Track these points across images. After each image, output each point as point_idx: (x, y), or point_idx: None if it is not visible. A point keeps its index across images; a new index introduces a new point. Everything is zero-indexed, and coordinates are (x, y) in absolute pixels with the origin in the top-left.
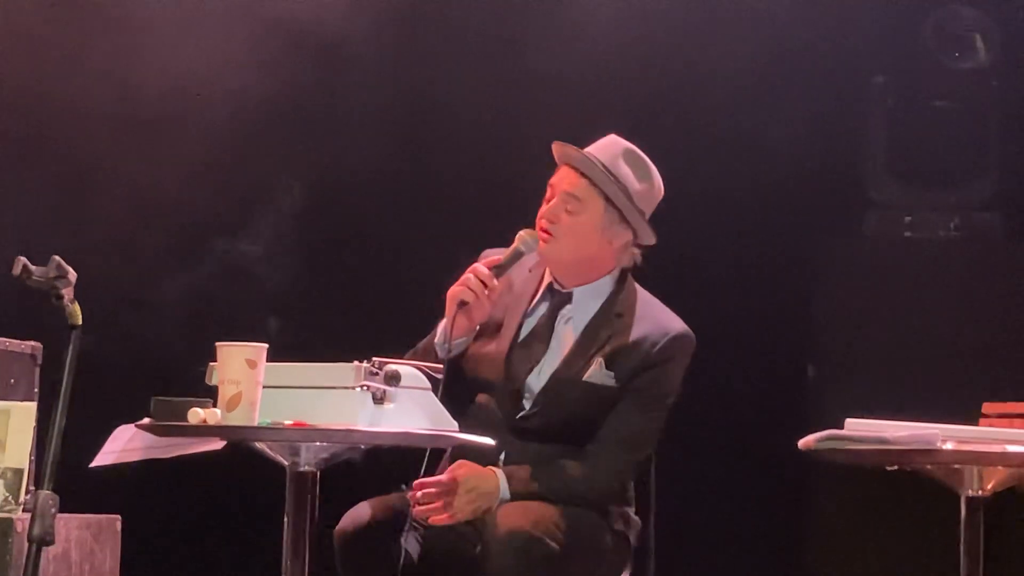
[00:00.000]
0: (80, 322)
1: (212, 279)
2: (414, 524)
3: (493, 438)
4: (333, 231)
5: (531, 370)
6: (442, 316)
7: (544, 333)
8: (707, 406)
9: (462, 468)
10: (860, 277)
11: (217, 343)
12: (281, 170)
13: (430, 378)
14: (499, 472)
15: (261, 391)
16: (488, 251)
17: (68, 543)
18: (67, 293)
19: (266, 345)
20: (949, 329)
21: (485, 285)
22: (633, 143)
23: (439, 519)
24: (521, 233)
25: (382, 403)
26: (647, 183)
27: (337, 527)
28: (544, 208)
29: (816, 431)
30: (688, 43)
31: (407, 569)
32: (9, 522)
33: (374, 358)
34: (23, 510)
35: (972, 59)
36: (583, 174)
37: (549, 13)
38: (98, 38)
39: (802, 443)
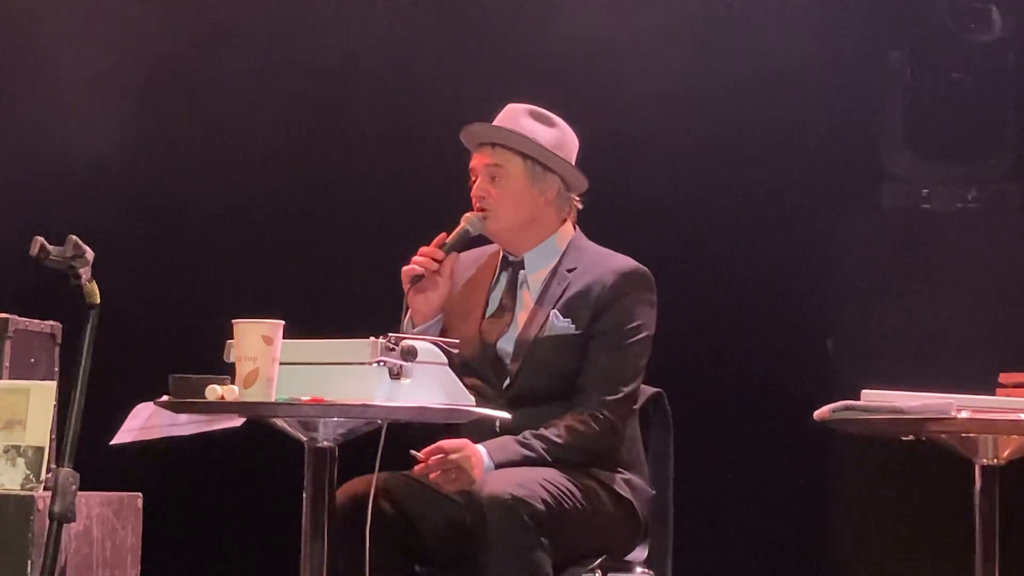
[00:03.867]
0: (98, 301)
1: (229, 255)
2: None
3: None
4: (348, 205)
5: (501, 337)
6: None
7: (509, 303)
8: (727, 380)
9: (449, 443)
10: (878, 250)
11: (234, 320)
12: (292, 149)
13: (446, 353)
14: (479, 447)
15: (278, 367)
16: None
17: (89, 520)
18: (84, 272)
19: (282, 322)
20: (967, 301)
21: (434, 260)
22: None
23: (449, 487)
24: (466, 215)
25: (399, 378)
26: (555, 129)
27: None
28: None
29: (834, 403)
30: (704, 18)
31: (404, 541)
32: (31, 500)
33: (390, 334)
34: (44, 488)
35: (989, 31)
36: (494, 144)
37: None
38: None
39: (817, 414)
